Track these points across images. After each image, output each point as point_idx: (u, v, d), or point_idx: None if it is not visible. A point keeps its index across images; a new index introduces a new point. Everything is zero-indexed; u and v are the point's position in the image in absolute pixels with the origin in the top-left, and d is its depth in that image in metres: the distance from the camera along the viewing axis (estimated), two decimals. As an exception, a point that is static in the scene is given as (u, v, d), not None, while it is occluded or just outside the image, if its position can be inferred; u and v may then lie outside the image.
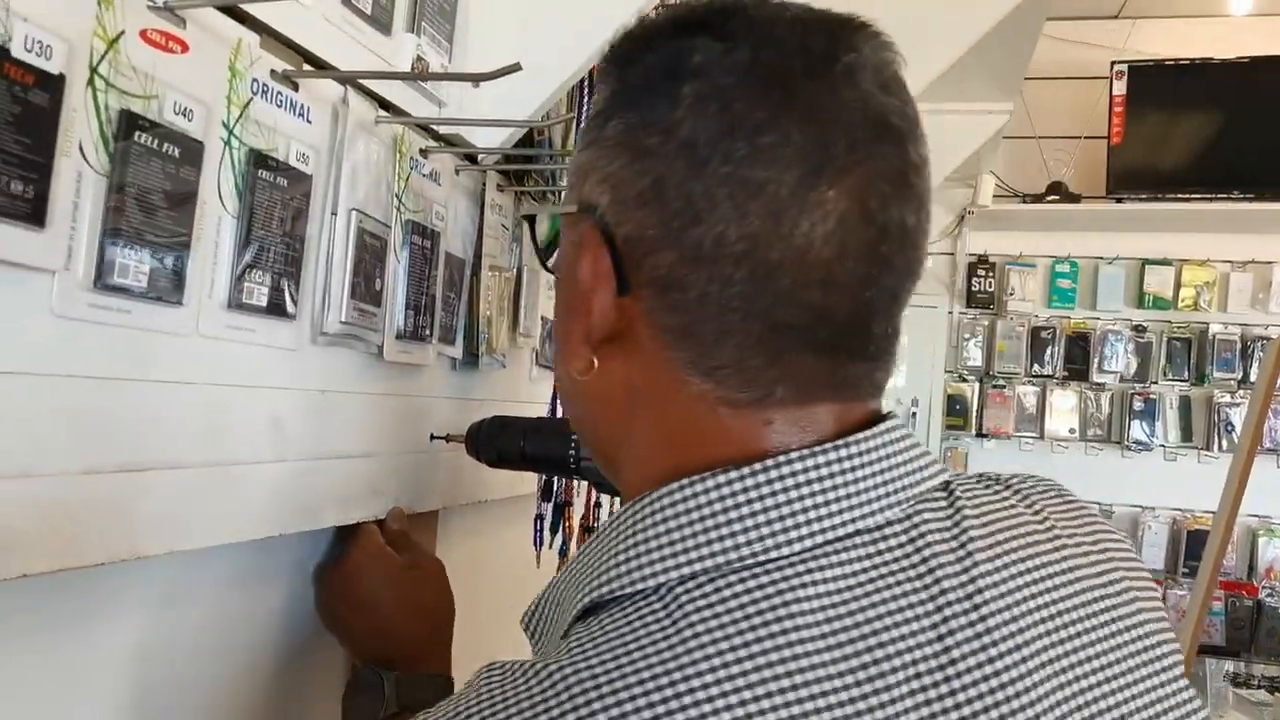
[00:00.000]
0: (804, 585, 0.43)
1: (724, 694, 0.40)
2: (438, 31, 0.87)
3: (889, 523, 0.47)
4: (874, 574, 0.45)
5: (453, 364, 0.98)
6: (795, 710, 0.40)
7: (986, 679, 0.43)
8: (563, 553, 1.02)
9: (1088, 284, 4.03)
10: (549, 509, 1.01)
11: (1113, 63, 3.77)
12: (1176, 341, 3.92)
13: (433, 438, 0.92)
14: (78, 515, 0.55)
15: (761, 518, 0.45)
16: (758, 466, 0.46)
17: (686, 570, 0.44)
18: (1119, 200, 3.75)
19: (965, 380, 4.08)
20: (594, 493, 1.05)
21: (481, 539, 1.18)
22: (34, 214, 0.50)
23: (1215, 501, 2.08)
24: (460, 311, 0.97)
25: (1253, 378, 3.69)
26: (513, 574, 1.26)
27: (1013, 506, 0.51)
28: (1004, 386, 4.04)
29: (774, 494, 0.45)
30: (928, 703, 0.42)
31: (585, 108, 1.07)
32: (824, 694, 0.41)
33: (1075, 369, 3.97)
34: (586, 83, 1.07)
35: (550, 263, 0.53)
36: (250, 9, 0.65)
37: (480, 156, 0.96)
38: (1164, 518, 3.89)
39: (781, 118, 0.45)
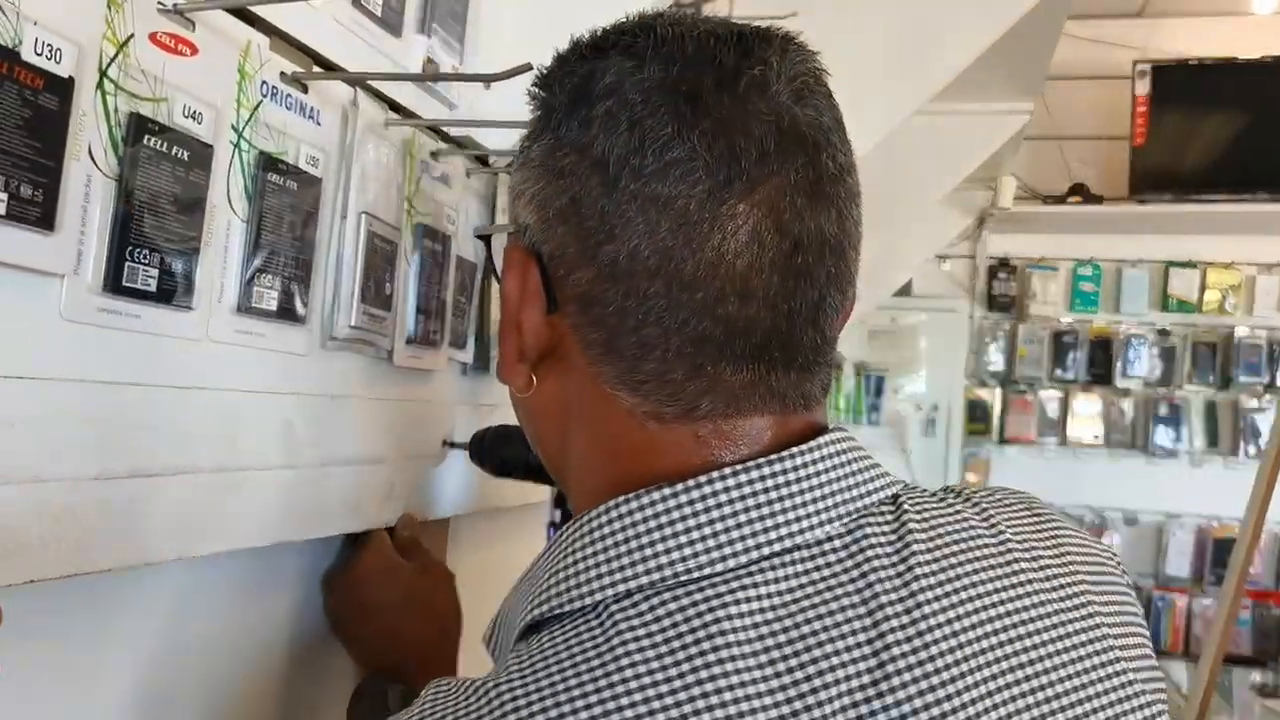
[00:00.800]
0: (736, 602, 0.43)
1: (651, 711, 0.40)
2: (449, 33, 0.87)
3: (829, 538, 0.46)
4: (810, 590, 0.44)
5: (464, 369, 0.97)
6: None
7: (923, 694, 0.43)
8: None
9: (1111, 287, 3.99)
10: (560, 516, 1.00)
11: (1135, 62, 3.74)
12: (1202, 345, 3.89)
13: (446, 444, 0.92)
14: (88, 520, 0.54)
15: (696, 534, 0.45)
16: (690, 483, 0.46)
17: (621, 588, 0.44)
18: (1142, 202, 3.72)
19: (986, 385, 4.06)
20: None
21: (493, 547, 1.17)
22: (44, 218, 0.50)
23: (1242, 508, 2.06)
24: (472, 316, 0.97)
25: (1280, 382, 3.65)
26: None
27: (965, 519, 0.50)
28: (1026, 392, 4.01)
29: (707, 510, 0.45)
30: (859, 718, 0.42)
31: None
32: (752, 711, 0.41)
33: (1098, 374, 3.94)
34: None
35: None
36: (259, 11, 0.65)
37: (492, 159, 0.96)
38: (1190, 525, 3.84)
39: (689, 132, 0.45)
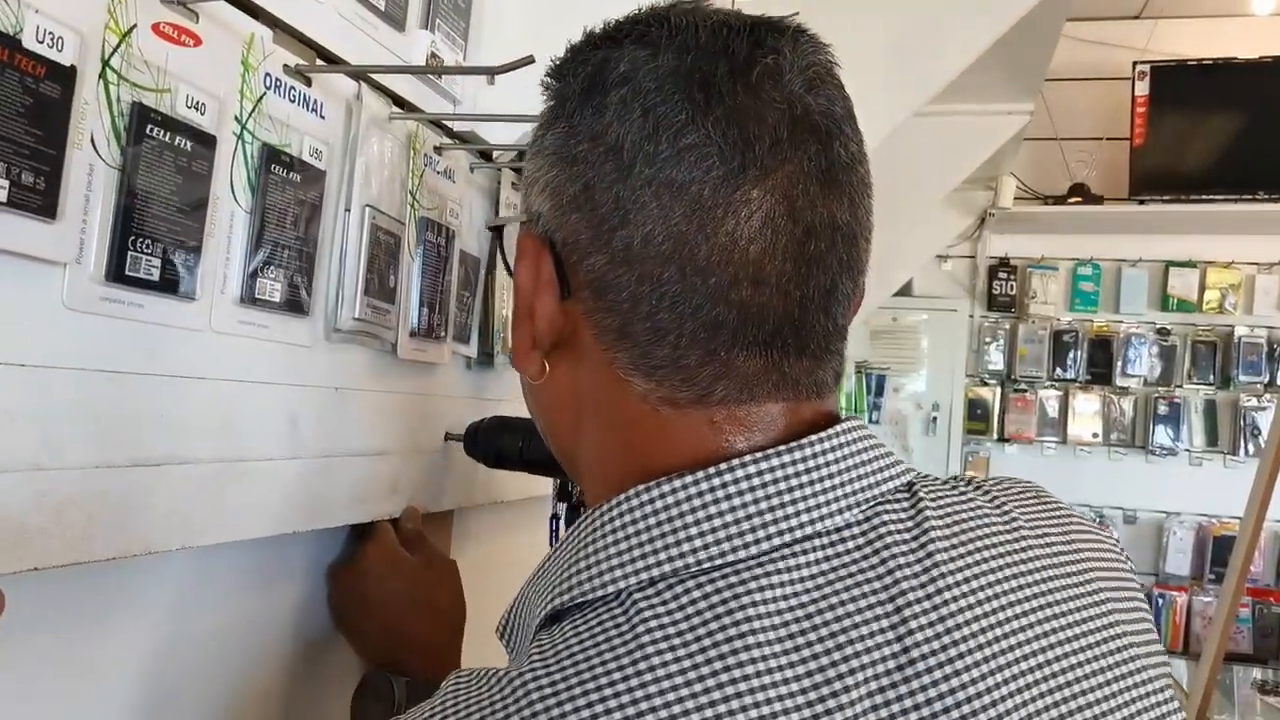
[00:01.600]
0: (760, 589, 0.43)
1: (680, 699, 0.40)
2: (452, 28, 0.87)
3: (847, 525, 0.46)
4: (831, 576, 0.45)
5: (467, 363, 0.97)
6: (752, 714, 0.40)
7: (948, 679, 0.43)
8: (579, 553, 1.01)
9: (1110, 287, 4.00)
10: (564, 509, 1.00)
11: (1135, 63, 3.74)
12: (1201, 345, 3.89)
13: (447, 437, 0.92)
14: (90, 509, 0.54)
15: (718, 521, 0.45)
16: (711, 470, 0.46)
17: (644, 576, 0.44)
18: (1142, 202, 3.72)
19: (987, 384, 4.06)
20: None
21: (496, 540, 1.17)
22: (46, 206, 0.50)
23: (1242, 507, 2.06)
24: (475, 310, 0.96)
25: None
26: (529, 562, 1.26)
27: (978, 507, 0.50)
28: (1026, 390, 4.01)
29: (728, 497, 0.45)
30: (886, 704, 0.42)
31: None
32: (780, 698, 0.41)
33: (1098, 373, 3.94)
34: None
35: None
36: (263, 3, 0.65)
37: (495, 154, 0.96)
38: (1189, 523, 3.85)
39: (703, 119, 0.46)
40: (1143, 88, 3.73)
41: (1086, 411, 3.95)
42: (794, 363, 0.48)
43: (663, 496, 0.46)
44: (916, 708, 0.42)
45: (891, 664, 0.43)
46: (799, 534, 0.45)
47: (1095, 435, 3.93)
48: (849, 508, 0.47)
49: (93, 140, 0.53)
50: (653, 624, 0.43)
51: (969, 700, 0.43)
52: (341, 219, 0.75)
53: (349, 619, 0.83)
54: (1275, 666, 3.47)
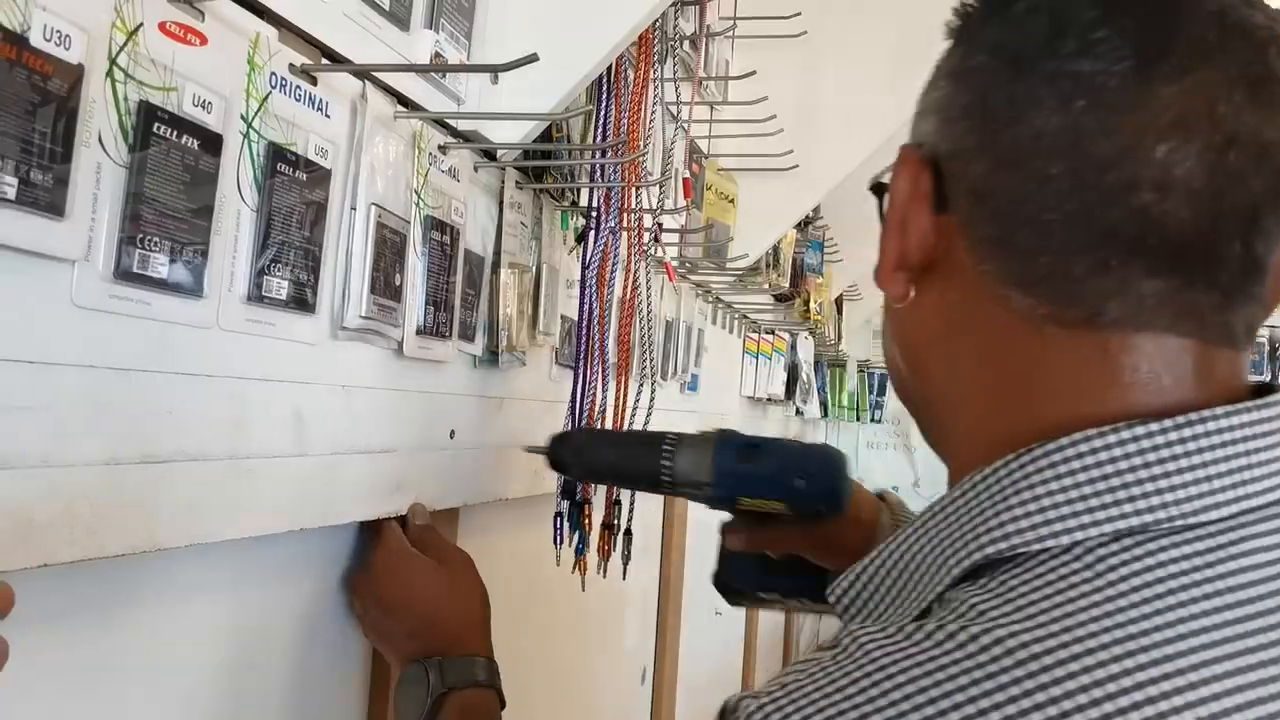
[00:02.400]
0: (1243, 554, 0.39)
1: (1194, 666, 0.36)
2: (456, 29, 0.87)
3: None
4: None
5: (473, 361, 0.97)
6: (1253, 679, 0.36)
7: None
8: (579, 551, 1.01)
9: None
10: (567, 506, 1.00)
11: None
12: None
13: (527, 449, 0.89)
14: (98, 506, 0.55)
15: (1189, 475, 0.40)
16: (1181, 420, 0.41)
17: (1108, 529, 0.40)
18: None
19: (989, 384, 4.06)
20: (614, 491, 1.04)
21: (502, 537, 1.17)
22: (54, 204, 0.50)
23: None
24: (480, 309, 0.97)
25: (1282, 380, 3.65)
26: (533, 572, 1.26)
27: None
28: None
29: (1199, 450, 0.41)
30: None
31: (605, 104, 1.06)
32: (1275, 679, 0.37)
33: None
34: (605, 80, 1.07)
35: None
36: (268, 3, 0.65)
37: (499, 153, 0.96)
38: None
39: (1117, 14, 0.42)
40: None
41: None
42: (1200, 294, 0.42)
43: (1123, 444, 0.41)
44: None
45: None
46: (1266, 499, 0.41)
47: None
48: None
49: (100, 138, 0.53)
50: (1135, 581, 0.38)
51: None
52: (347, 217, 0.75)
53: (374, 626, 0.83)
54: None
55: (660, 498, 1.88)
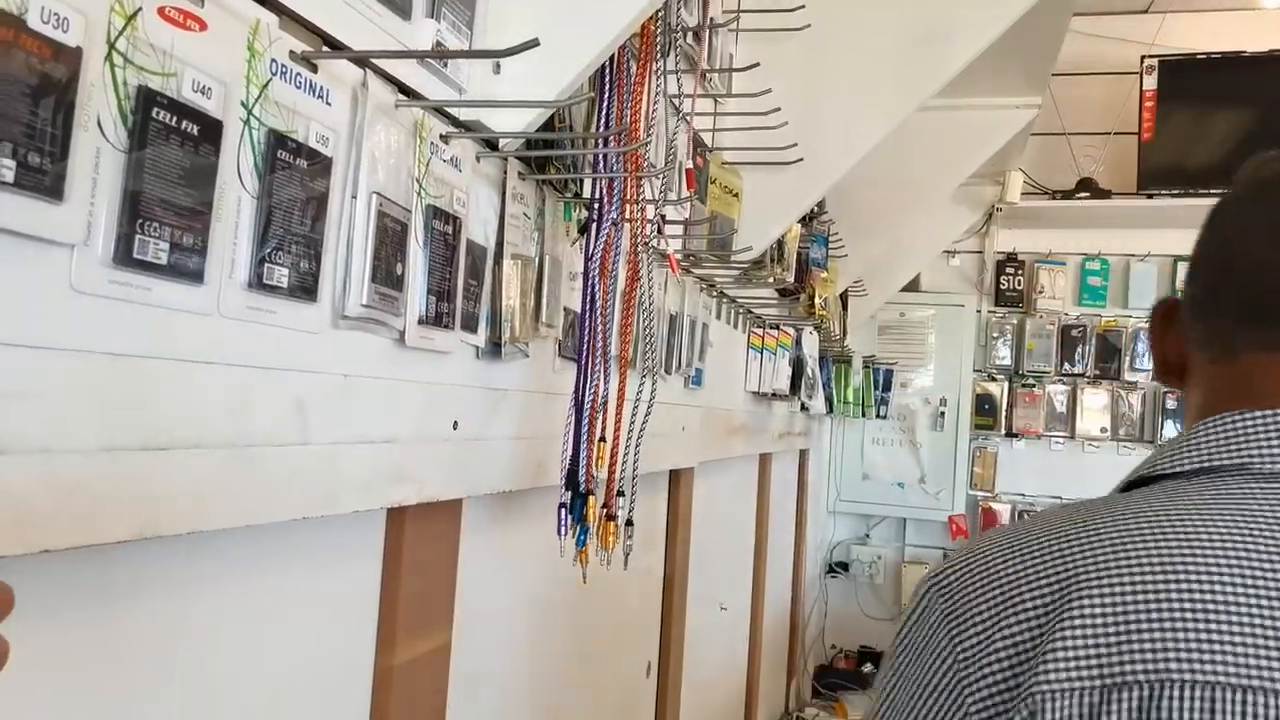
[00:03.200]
0: (1231, 487, 0.58)
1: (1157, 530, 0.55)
2: (457, 17, 0.87)
3: None
4: None
5: (476, 352, 0.97)
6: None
7: None
8: (580, 543, 1.01)
9: (1119, 282, 3.98)
10: (569, 496, 1.00)
11: (1143, 57, 3.72)
12: (1210, 339, 3.86)
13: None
14: (98, 492, 0.54)
15: (1234, 441, 0.61)
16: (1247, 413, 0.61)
17: (1192, 466, 0.61)
18: (1150, 196, 3.70)
19: (994, 379, 4.04)
20: (617, 480, 1.04)
21: (505, 529, 1.17)
22: (52, 187, 0.50)
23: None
24: (483, 300, 0.96)
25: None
26: (539, 567, 1.26)
27: None
28: (1034, 386, 4.00)
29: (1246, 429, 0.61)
30: None
31: (607, 95, 1.06)
32: None
33: (1106, 368, 3.92)
34: (608, 71, 1.07)
35: None
36: (269, -12, 0.65)
37: (501, 143, 0.96)
38: (1199, 518, 3.82)
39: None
40: (1151, 82, 3.70)
41: (1095, 406, 3.93)
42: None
43: (1222, 421, 0.60)
44: None
45: None
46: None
47: (1103, 430, 3.92)
48: None
49: (99, 122, 0.53)
50: (1169, 498, 0.58)
51: None
52: (348, 206, 0.75)
53: None
54: None
55: (664, 491, 1.88)
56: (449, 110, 0.88)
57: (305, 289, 0.70)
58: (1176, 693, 0.49)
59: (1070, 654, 0.51)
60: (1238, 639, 0.49)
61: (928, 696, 0.56)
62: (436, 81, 0.85)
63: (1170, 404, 3.86)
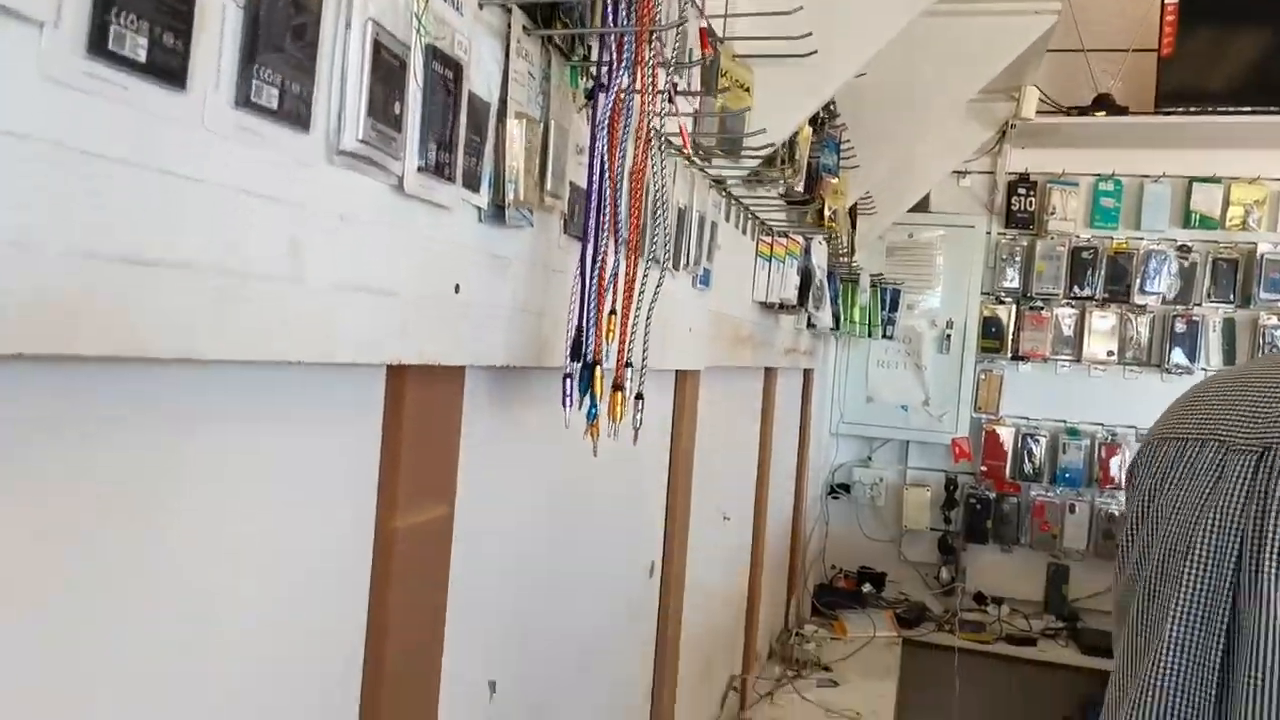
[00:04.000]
0: None
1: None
2: None
3: None
4: None
5: (479, 215, 0.93)
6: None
7: None
8: (590, 416, 0.97)
9: (1132, 203, 3.91)
10: (578, 368, 0.97)
11: (1165, -31, 3.61)
12: (1222, 262, 3.82)
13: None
14: (74, 299, 0.51)
15: None
16: None
17: None
18: (1167, 114, 3.62)
19: (1002, 302, 4.00)
20: (626, 352, 1.00)
21: (509, 406, 1.14)
22: (16, -43, 0.46)
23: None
24: (485, 159, 0.92)
25: (1302, 298, 3.59)
26: (539, 452, 1.23)
27: None
28: (1042, 308, 3.96)
29: None
30: None
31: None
32: None
33: (1116, 290, 3.88)
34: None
35: None
36: None
37: (505, -9, 0.91)
38: (1204, 442, 3.81)
39: None
40: (1172, -4, 3.60)
41: (1103, 329, 3.89)
42: None
43: None
44: None
45: None
46: None
47: (1110, 353, 3.88)
48: None
49: (67, -107, 0.48)
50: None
51: None
52: (341, 33, 0.70)
53: None
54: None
55: (670, 394, 1.85)
56: (450, -53, 0.83)
57: (297, 116, 0.66)
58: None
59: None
60: (1197, 414, 0.79)
61: None
62: (436, -88, 0.80)
63: (1179, 327, 3.82)
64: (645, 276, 1.05)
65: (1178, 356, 3.81)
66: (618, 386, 0.98)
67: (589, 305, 0.98)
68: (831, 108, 2.43)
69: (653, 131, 1.05)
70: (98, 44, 0.51)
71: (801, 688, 3.04)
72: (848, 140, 2.51)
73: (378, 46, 0.72)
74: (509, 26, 0.94)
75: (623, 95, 0.99)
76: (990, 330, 3.98)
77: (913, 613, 3.94)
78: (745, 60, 1.74)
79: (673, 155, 1.42)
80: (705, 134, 1.60)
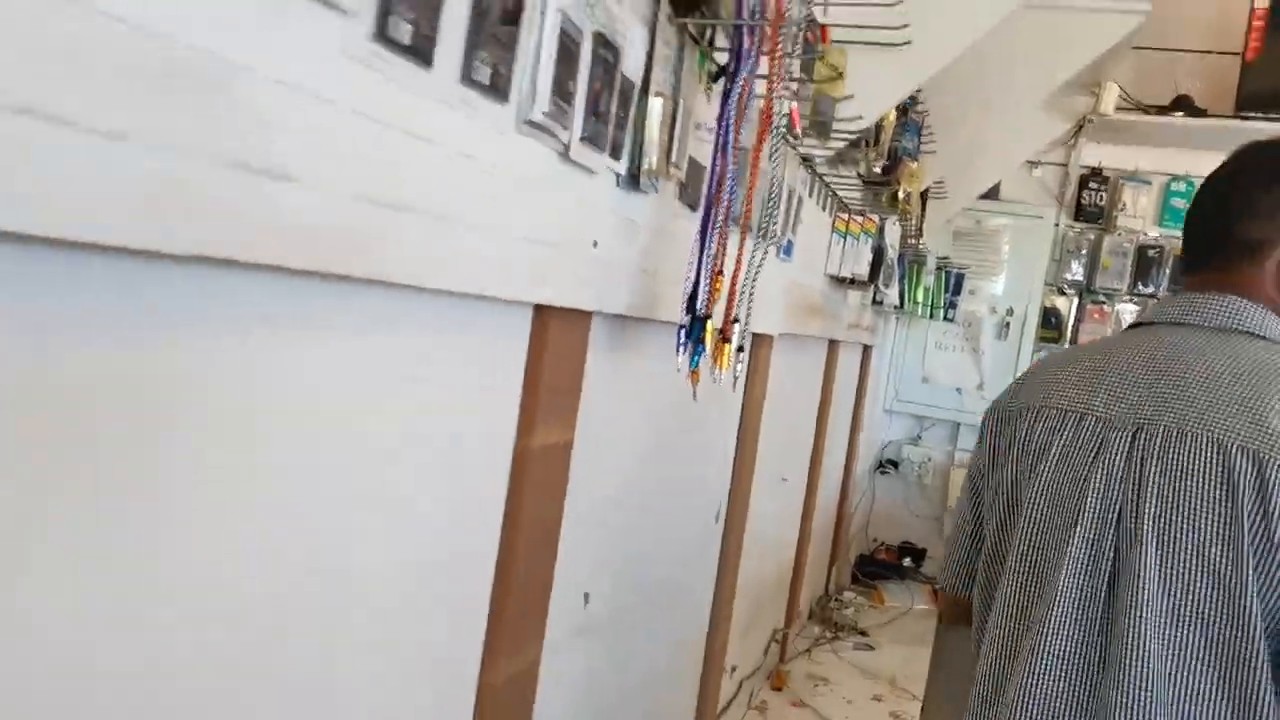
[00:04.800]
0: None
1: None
2: None
3: None
4: None
5: (617, 180, 1.06)
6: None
7: None
8: (695, 363, 1.10)
9: (1203, 205, 3.93)
10: (689, 320, 1.09)
11: (1258, -27, 3.60)
12: (1290, 270, 3.82)
13: None
14: (349, 229, 0.65)
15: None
16: None
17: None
18: (1246, 119, 3.63)
19: (1064, 294, 4.05)
20: (735, 308, 1.13)
21: (627, 352, 1.28)
22: (337, -37, 0.59)
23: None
24: (629, 131, 1.05)
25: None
26: (644, 395, 1.37)
27: None
28: (1104, 302, 4.01)
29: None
30: None
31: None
32: None
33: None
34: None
35: None
36: None
37: (656, -16, 1.03)
38: (1254, 446, 3.85)
39: None
40: (1263, 0, 3.60)
41: (1163, 328, 3.93)
42: None
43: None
44: None
45: None
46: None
47: (1169, 353, 3.93)
48: None
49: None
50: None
51: None
52: (537, 22, 0.83)
53: None
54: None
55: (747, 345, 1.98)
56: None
57: (500, 91, 0.79)
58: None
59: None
60: (1063, 390, 1.00)
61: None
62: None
63: (1240, 331, 3.85)
64: (755, 246, 1.18)
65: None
66: (725, 339, 1.11)
67: (705, 267, 1.11)
68: (916, 93, 2.51)
69: (775, 115, 1.17)
70: (381, 30, 0.64)
71: (838, 648, 3.18)
72: (929, 127, 2.59)
73: (564, 32, 0.85)
74: (655, 16, 1.06)
75: (748, 80, 1.11)
76: (1050, 320, 4.04)
77: (950, 589, 4.04)
78: (840, 45, 1.84)
79: (781, 135, 1.53)
80: (801, 116, 1.70)
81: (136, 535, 0.58)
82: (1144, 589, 0.84)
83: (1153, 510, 0.85)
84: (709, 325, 1.10)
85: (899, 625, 3.50)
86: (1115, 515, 0.88)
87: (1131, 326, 1.05)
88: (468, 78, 0.75)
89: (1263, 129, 3.59)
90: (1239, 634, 0.82)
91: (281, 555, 0.72)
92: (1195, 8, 3.80)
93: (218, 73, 0.53)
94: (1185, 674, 0.84)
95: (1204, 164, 3.59)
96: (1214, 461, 0.84)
